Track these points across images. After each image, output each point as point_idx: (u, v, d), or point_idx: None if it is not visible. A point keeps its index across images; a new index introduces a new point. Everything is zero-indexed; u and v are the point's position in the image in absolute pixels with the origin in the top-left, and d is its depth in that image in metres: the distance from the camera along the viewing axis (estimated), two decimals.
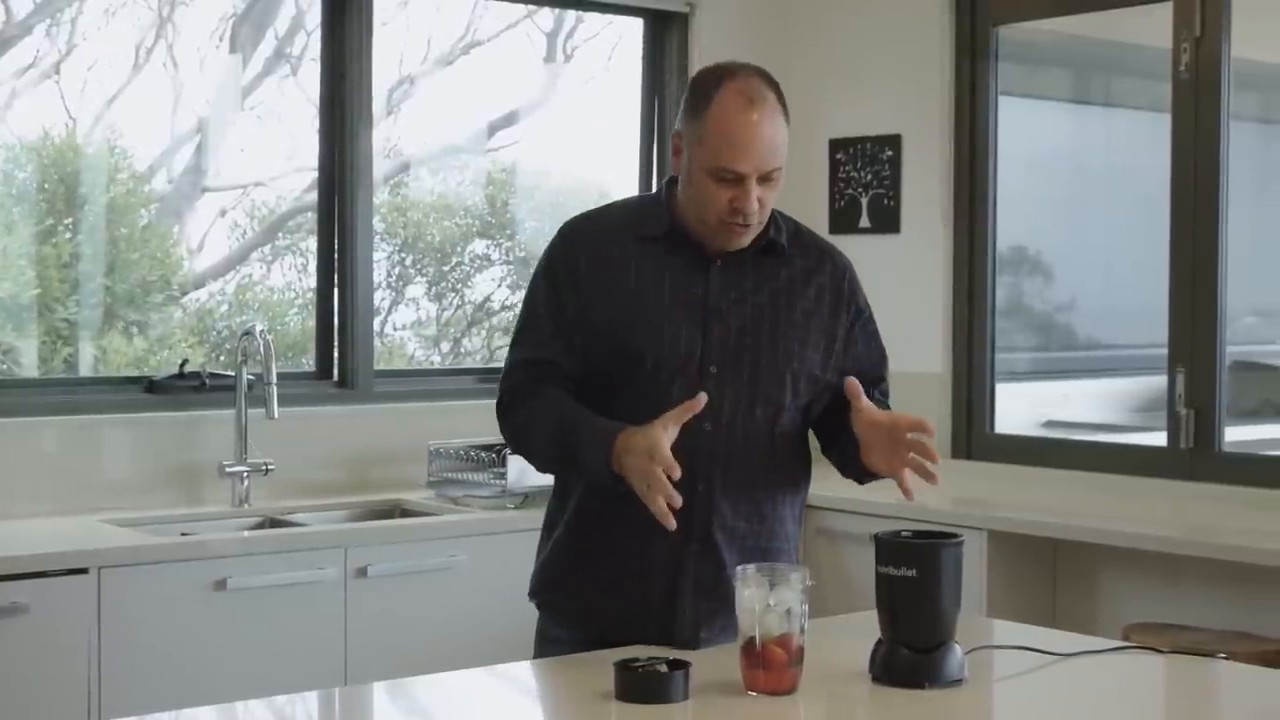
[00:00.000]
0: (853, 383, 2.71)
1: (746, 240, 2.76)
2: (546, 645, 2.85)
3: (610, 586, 2.77)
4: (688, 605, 2.74)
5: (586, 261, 2.79)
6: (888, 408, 2.86)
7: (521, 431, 2.82)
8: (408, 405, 4.90)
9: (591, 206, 2.98)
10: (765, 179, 2.69)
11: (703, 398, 2.62)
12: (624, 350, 2.74)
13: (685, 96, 2.77)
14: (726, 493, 2.76)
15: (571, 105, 5.69)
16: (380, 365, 5.06)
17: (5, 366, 4.60)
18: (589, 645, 2.73)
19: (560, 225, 2.89)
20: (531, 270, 2.91)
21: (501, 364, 2.91)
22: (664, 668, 2.40)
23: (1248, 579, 4.19)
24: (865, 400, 2.71)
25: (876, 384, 2.90)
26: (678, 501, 2.55)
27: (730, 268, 2.78)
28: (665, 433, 2.58)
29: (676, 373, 2.73)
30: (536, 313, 2.82)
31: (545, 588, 2.88)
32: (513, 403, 2.82)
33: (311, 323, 4.98)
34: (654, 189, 3.06)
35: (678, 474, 2.55)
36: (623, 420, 2.68)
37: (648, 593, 2.75)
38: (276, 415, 4.43)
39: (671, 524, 2.56)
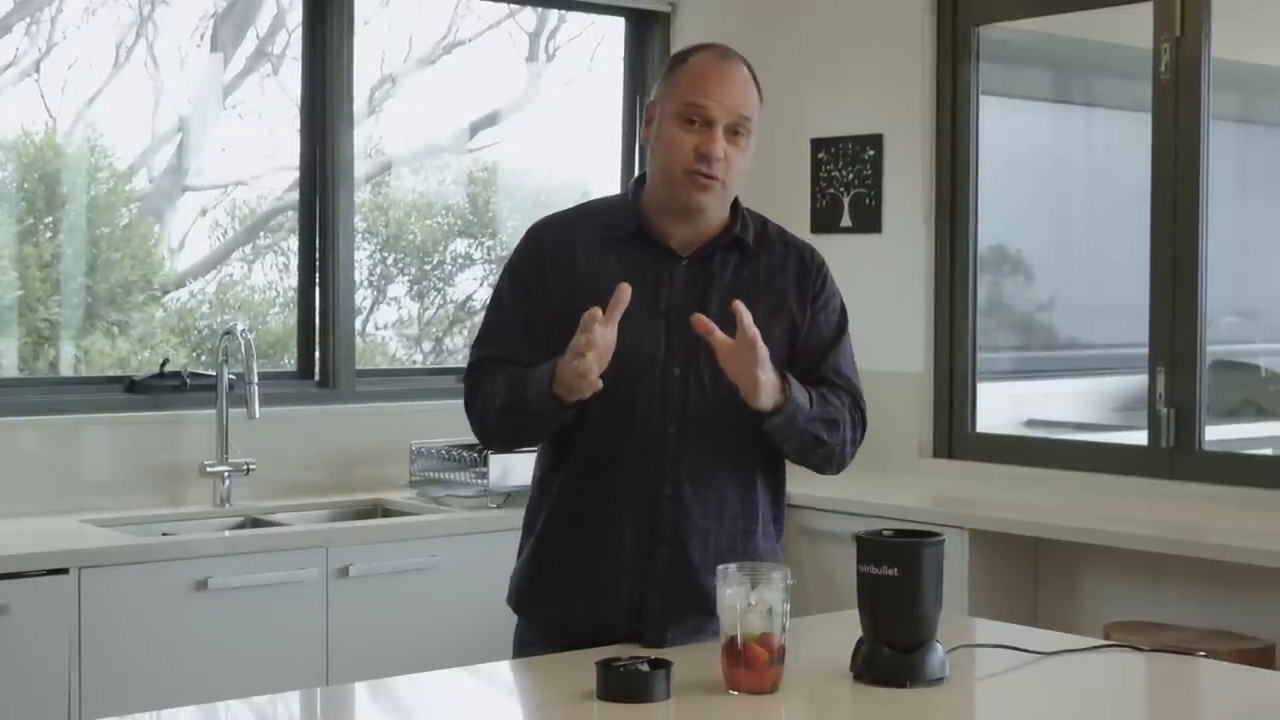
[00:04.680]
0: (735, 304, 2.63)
1: (713, 199, 2.73)
2: (523, 650, 2.85)
3: (579, 591, 2.77)
4: (655, 608, 2.73)
5: (551, 261, 2.79)
6: (841, 385, 2.83)
7: (483, 408, 2.80)
8: (389, 405, 4.89)
9: (572, 206, 2.97)
10: (733, 133, 2.70)
11: (626, 289, 2.60)
12: None
13: (665, 68, 2.81)
14: (693, 494, 2.75)
15: (553, 105, 5.69)
16: (362, 364, 5.05)
17: None
18: (562, 651, 2.72)
19: (529, 226, 2.90)
20: None
21: None
22: (645, 667, 2.40)
23: (1228, 578, 4.20)
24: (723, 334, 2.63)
25: (824, 358, 2.83)
26: (609, 338, 2.56)
27: (696, 266, 2.78)
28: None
29: (640, 373, 2.73)
30: (501, 312, 2.84)
31: (520, 595, 2.87)
32: (475, 391, 2.82)
33: (293, 322, 4.97)
34: None
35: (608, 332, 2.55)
36: (591, 425, 2.72)
37: (615, 596, 2.74)
38: (258, 415, 4.42)
39: (596, 383, 2.56)
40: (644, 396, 2.72)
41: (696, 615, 2.73)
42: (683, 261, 2.78)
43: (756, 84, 2.77)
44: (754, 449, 2.79)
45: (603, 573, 2.75)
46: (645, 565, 2.73)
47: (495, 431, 2.83)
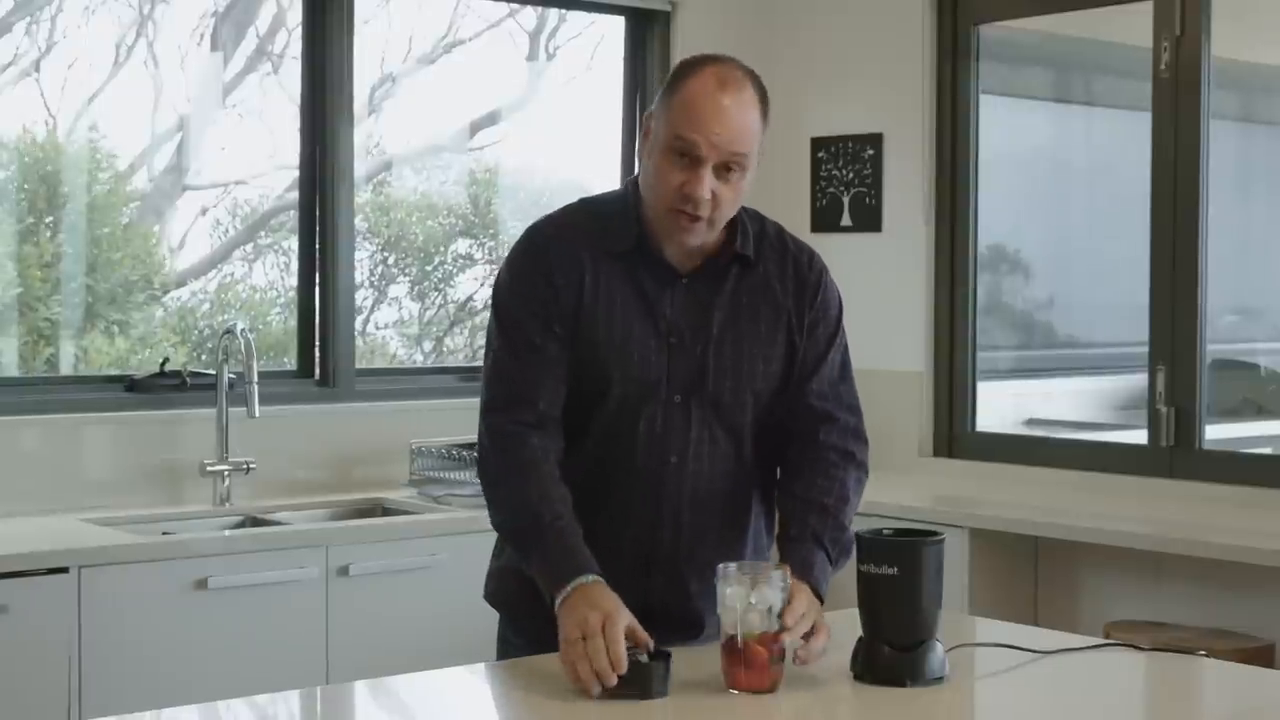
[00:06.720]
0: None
1: (697, 239, 2.62)
2: (505, 649, 2.81)
3: None
4: (649, 632, 2.53)
5: (557, 268, 2.65)
6: (830, 415, 2.75)
7: (494, 490, 2.73)
8: (389, 404, 4.89)
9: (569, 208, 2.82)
10: (724, 169, 2.56)
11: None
12: (591, 376, 2.65)
13: (667, 80, 2.68)
14: (694, 525, 2.70)
15: (554, 104, 5.69)
16: (362, 364, 5.05)
17: None
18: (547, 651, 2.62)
19: (526, 230, 2.75)
20: None
21: (481, 362, 2.82)
22: (645, 658, 2.40)
23: (1228, 577, 4.20)
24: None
25: (825, 376, 2.75)
26: (610, 681, 2.37)
27: (696, 284, 2.68)
28: (627, 627, 2.44)
29: (643, 401, 2.65)
30: (513, 326, 2.68)
31: (503, 597, 2.81)
32: (493, 476, 2.73)
33: (293, 322, 4.97)
34: None
35: (611, 679, 2.37)
36: (592, 451, 2.66)
37: None
38: (258, 414, 4.42)
39: (594, 691, 2.38)
40: (646, 424, 2.66)
41: (694, 641, 2.68)
42: (682, 280, 2.68)
43: (763, 101, 2.61)
44: (751, 476, 2.76)
45: None
46: (642, 590, 2.63)
47: (494, 519, 2.76)
